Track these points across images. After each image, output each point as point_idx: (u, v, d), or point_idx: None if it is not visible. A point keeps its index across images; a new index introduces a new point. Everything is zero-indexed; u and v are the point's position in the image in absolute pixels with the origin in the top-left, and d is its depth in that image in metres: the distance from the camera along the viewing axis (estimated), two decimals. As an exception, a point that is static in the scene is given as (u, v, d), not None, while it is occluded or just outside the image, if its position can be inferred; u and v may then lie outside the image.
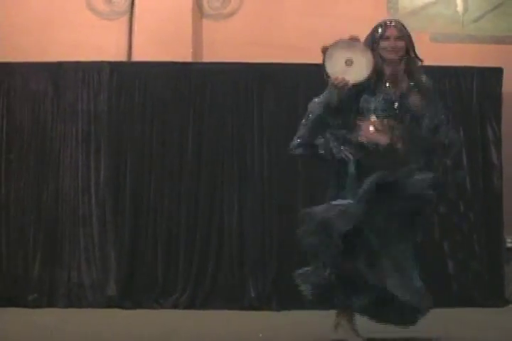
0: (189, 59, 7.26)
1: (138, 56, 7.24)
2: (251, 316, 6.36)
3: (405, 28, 4.48)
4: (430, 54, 7.24)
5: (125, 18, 7.43)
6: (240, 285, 6.89)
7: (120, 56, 7.32)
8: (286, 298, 6.56)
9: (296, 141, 4.71)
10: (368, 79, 4.36)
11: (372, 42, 4.44)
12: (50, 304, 6.83)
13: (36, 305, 6.78)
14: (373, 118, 4.42)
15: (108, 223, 6.93)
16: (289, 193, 6.92)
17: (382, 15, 7.49)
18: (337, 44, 4.42)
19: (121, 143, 7.02)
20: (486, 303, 6.80)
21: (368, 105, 4.43)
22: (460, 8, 7.64)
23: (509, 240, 7.25)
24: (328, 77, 4.38)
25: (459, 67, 7.24)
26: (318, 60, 6.94)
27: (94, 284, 6.89)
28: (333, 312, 4.58)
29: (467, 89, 7.22)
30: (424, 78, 4.55)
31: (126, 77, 7.06)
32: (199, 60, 7.35)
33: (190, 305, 6.75)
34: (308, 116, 4.64)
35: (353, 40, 4.41)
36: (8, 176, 7.01)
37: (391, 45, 4.40)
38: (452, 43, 7.56)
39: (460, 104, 7.19)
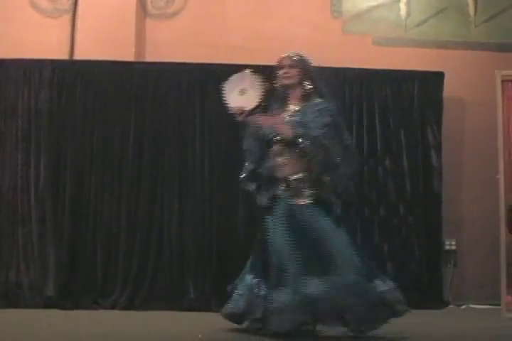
0: (132, 58, 7.23)
1: (80, 54, 7.19)
2: (190, 317, 6.33)
3: (302, 58, 5.14)
4: (372, 57, 7.42)
5: (68, 16, 7.36)
6: (180, 286, 6.87)
7: (62, 54, 7.25)
8: (225, 299, 6.56)
9: (242, 175, 5.23)
10: (261, 102, 5.05)
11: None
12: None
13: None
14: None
15: (47, 222, 6.87)
16: (230, 194, 6.91)
17: (325, 18, 7.62)
18: (230, 79, 5.10)
19: (62, 142, 6.96)
20: (426, 305, 6.81)
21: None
22: (403, 12, 7.71)
23: (448, 243, 7.35)
24: (230, 109, 5.03)
25: (400, 71, 7.33)
26: (261, 62, 7.06)
27: (33, 284, 6.81)
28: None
29: (408, 93, 7.31)
30: (318, 100, 5.06)
31: (67, 75, 7.02)
32: (142, 60, 7.33)
33: (129, 306, 6.70)
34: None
35: (244, 71, 5.13)
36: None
37: (284, 73, 5.10)
38: (395, 47, 7.63)
39: (401, 107, 7.29)
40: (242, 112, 4.97)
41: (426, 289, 7.11)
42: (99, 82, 7.01)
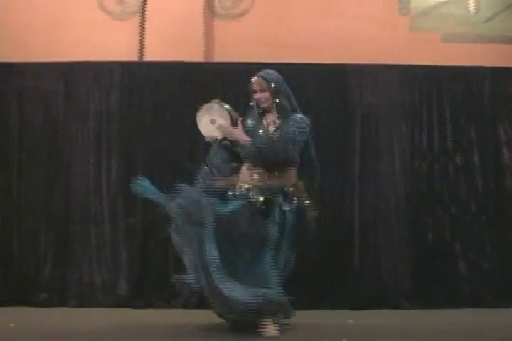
0: (200, 59, 7.27)
1: (149, 56, 7.25)
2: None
3: (270, 79, 5.43)
4: (441, 54, 7.35)
5: (136, 18, 7.44)
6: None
7: (131, 56, 7.32)
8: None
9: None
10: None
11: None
12: (61, 303, 6.84)
13: (47, 304, 6.78)
14: None
15: (119, 222, 6.94)
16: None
17: (393, 16, 7.55)
18: (200, 110, 5.55)
19: (133, 143, 7.03)
20: (497, 304, 6.77)
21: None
22: (472, 8, 7.63)
23: (520, 241, 7.25)
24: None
25: (470, 68, 7.22)
26: (328, 60, 7.03)
27: (105, 284, 6.90)
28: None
29: (478, 90, 7.20)
30: (296, 116, 5.42)
31: (137, 77, 7.07)
32: (211, 60, 7.35)
33: (201, 305, 6.71)
34: None
35: (212, 102, 5.53)
36: (20, 176, 7.02)
37: (258, 98, 5.43)
38: (463, 43, 7.54)
39: (471, 104, 7.19)
40: (216, 140, 5.49)
41: (498, 288, 7.00)
42: (168, 83, 7.05)
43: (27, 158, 7.05)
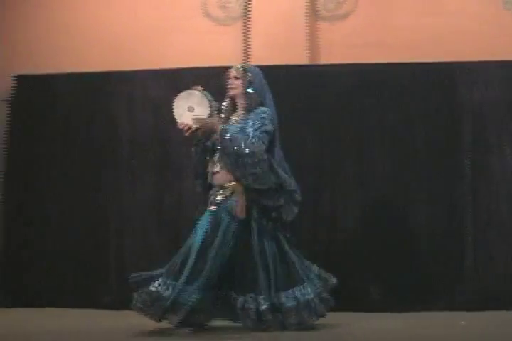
0: (305, 61, 7.27)
1: (255, 60, 7.24)
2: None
3: (246, 69, 5.62)
4: None
5: (240, 23, 7.49)
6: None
7: (236, 61, 7.29)
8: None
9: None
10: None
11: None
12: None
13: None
14: None
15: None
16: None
17: (497, 12, 7.41)
18: (180, 95, 5.39)
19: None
20: None
21: None
22: None
23: None
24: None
25: None
26: (434, 59, 6.96)
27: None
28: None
29: None
30: (262, 109, 5.55)
31: (244, 81, 7.13)
32: (317, 62, 7.33)
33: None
34: None
35: (193, 89, 5.42)
36: (133, 181, 7.18)
37: (229, 84, 5.61)
38: None
39: None
40: (189, 129, 5.33)
41: None
42: (275, 87, 7.06)
43: (138, 164, 7.19)
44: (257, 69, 5.69)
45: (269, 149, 5.49)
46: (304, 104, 7.06)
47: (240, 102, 5.63)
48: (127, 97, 7.30)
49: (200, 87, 5.50)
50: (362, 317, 6.25)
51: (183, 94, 5.40)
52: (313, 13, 7.44)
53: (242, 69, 5.61)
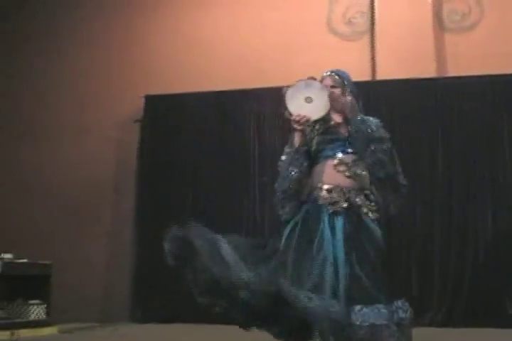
0: (433, 74, 7.24)
1: (382, 74, 7.29)
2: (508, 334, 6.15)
3: (341, 76, 4.76)
4: None
5: (366, 38, 7.52)
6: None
7: (364, 76, 7.39)
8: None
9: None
10: (327, 115, 4.59)
11: None
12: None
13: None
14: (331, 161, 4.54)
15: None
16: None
17: None
18: (296, 85, 4.65)
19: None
20: None
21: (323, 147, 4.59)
22: None
23: None
24: (291, 115, 4.53)
25: None
26: None
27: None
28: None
29: None
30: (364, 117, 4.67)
31: (371, 96, 7.12)
32: (444, 75, 7.29)
33: (447, 323, 6.66)
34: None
35: (311, 79, 4.65)
36: (263, 198, 7.26)
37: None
38: None
39: None
40: (307, 121, 4.59)
41: None
42: (403, 101, 7.08)
43: (269, 181, 7.25)
44: (348, 74, 4.95)
45: None
46: (433, 117, 7.06)
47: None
48: (257, 115, 7.38)
49: (316, 78, 4.81)
50: None
51: (300, 84, 4.72)
52: (440, 25, 7.40)
53: (337, 76, 4.87)
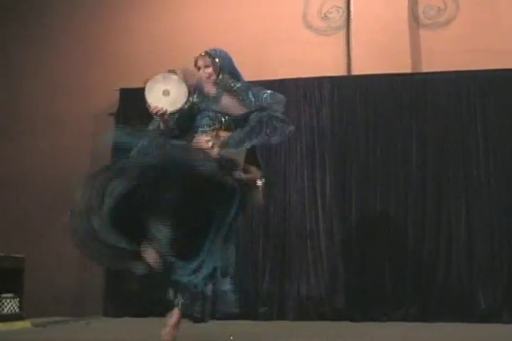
0: (408, 69, 7.23)
1: (357, 69, 7.28)
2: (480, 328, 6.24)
3: (214, 54, 5.00)
4: None
5: (342, 33, 7.50)
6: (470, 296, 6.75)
7: (339, 71, 7.40)
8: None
9: None
10: (184, 106, 4.84)
11: None
12: (280, 316, 6.99)
13: (267, 317, 6.96)
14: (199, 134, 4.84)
15: (335, 236, 7.02)
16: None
17: None
18: (155, 77, 4.83)
19: (346, 157, 7.11)
20: None
21: (196, 123, 4.93)
22: None
23: None
24: (149, 106, 4.78)
25: None
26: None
27: (323, 296, 6.97)
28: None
29: None
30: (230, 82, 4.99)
31: (346, 91, 7.16)
32: (418, 70, 7.29)
33: (420, 318, 6.69)
34: None
35: (170, 73, 4.86)
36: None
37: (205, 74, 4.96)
38: None
39: None
40: (163, 114, 4.79)
41: None
42: (377, 96, 7.09)
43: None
44: (224, 51, 5.16)
45: None
46: (408, 112, 7.09)
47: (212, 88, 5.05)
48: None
49: (179, 70, 4.96)
50: None
51: (158, 77, 4.89)
52: (415, 21, 7.39)
53: (208, 56, 5.05)
